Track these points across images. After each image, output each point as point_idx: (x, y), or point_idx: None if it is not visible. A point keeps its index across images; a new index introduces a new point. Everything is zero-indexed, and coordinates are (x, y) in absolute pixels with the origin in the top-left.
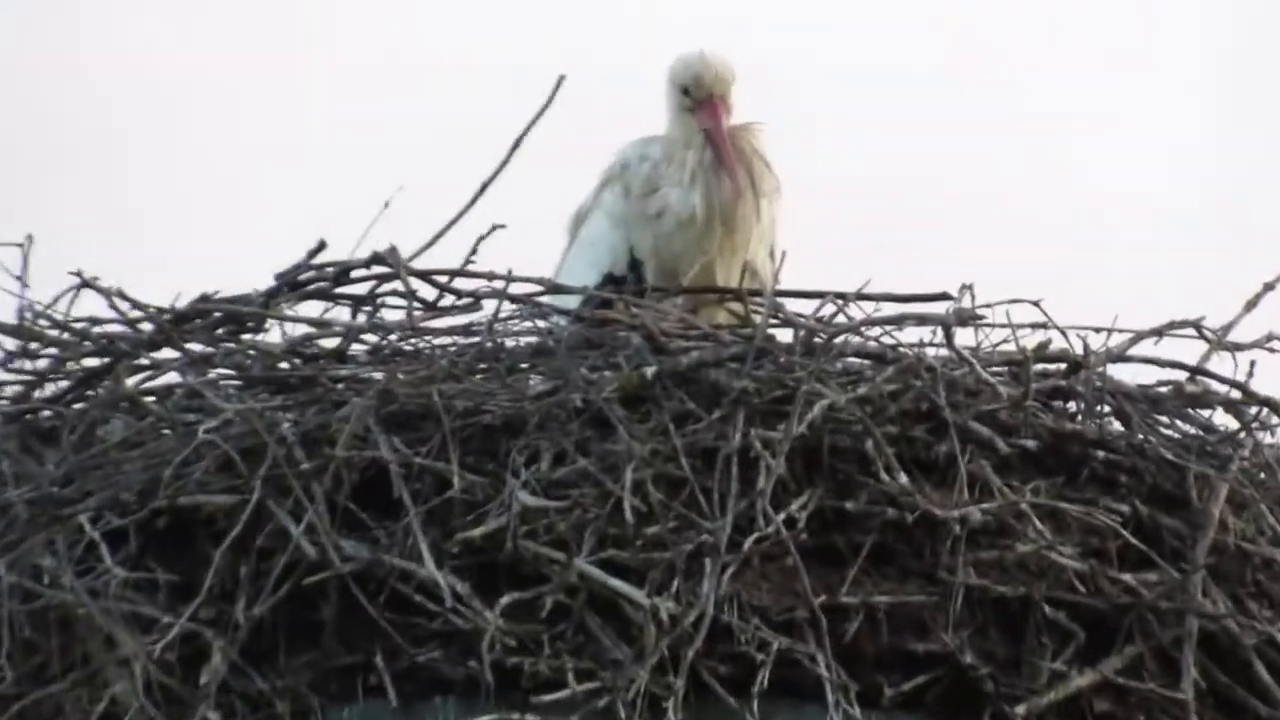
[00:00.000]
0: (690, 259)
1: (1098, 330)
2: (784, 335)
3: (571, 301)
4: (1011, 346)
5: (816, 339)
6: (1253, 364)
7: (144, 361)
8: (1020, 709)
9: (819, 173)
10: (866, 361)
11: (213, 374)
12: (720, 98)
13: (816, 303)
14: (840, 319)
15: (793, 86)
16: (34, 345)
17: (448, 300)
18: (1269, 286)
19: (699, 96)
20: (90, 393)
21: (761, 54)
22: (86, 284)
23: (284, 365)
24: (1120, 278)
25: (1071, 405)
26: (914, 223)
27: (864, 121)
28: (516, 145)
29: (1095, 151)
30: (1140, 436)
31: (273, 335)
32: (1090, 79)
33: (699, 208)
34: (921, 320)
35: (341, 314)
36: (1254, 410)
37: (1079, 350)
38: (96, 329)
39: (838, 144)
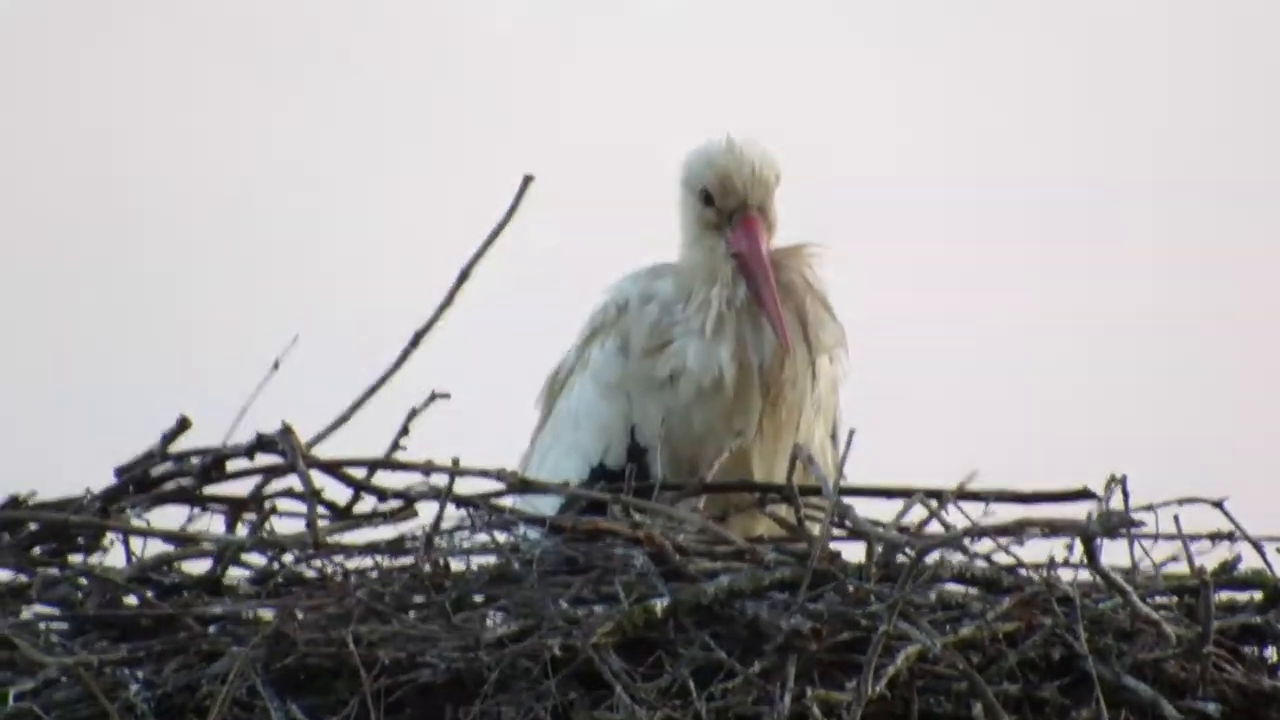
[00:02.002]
0: (717, 442)
1: None
2: (854, 552)
3: (547, 505)
4: (1183, 566)
5: (901, 557)
6: None
7: None
8: None
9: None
10: (973, 590)
11: (28, 613)
12: (759, 208)
13: (900, 504)
14: (934, 528)
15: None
16: None
17: (366, 504)
18: None
19: (728, 207)
20: None
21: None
22: None
23: (131, 599)
24: None
25: (1271, 651)
26: (1035, 400)
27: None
28: (465, 274)
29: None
30: None
31: (114, 556)
32: None
33: (728, 368)
34: (1052, 529)
35: (214, 524)
36: None
37: None
38: None
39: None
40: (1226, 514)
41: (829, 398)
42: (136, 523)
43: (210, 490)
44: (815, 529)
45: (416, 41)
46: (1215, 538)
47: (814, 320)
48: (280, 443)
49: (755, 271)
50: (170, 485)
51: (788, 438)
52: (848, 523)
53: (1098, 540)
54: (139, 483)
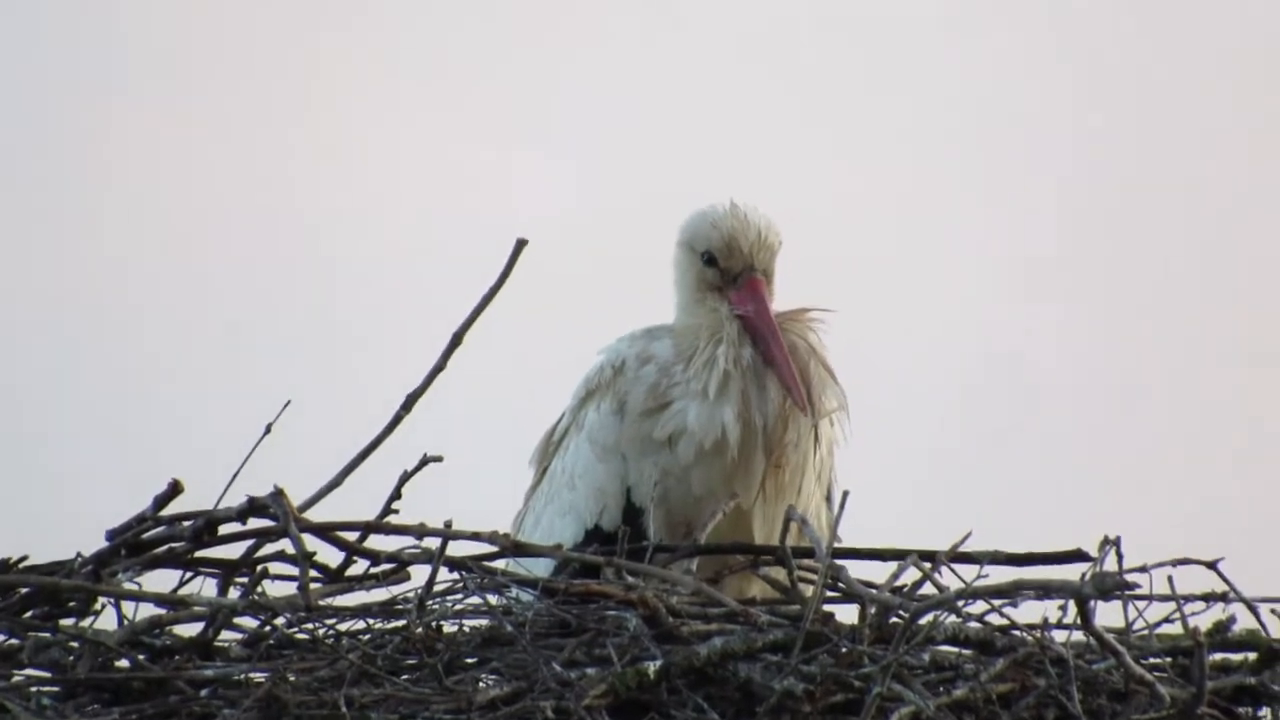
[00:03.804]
0: (714, 504)
1: None
2: (847, 614)
3: (540, 567)
4: (1177, 627)
5: (894, 619)
6: None
7: None
8: None
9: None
10: (967, 651)
11: (19, 676)
12: (763, 271)
13: (893, 566)
14: (928, 590)
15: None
16: None
17: (359, 567)
18: None
19: (733, 269)
20: None
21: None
22: None
23: (123, 663)
24: None
25: (1265, 712)
26: (1027, 459)
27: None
28: (458, 338)
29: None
30: None
31: (106, 619)
32: None
33: (732, 429)
34: (1046, 591)
35: (206, 588)
36: None
37: (1276, 633)
38: None
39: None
40: (1221, 575)
41: (826, 460)
42: (128, 586)
43: (202, 554)
44: (808, 591)
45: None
46: (1209, 599)
47: (817, 383)
48: (272, 506)
49: (765, 332)
50: (162, 549)
51: (790, 500)
52: (841, 584)
53: (1091, 602)
54: (130, 546)
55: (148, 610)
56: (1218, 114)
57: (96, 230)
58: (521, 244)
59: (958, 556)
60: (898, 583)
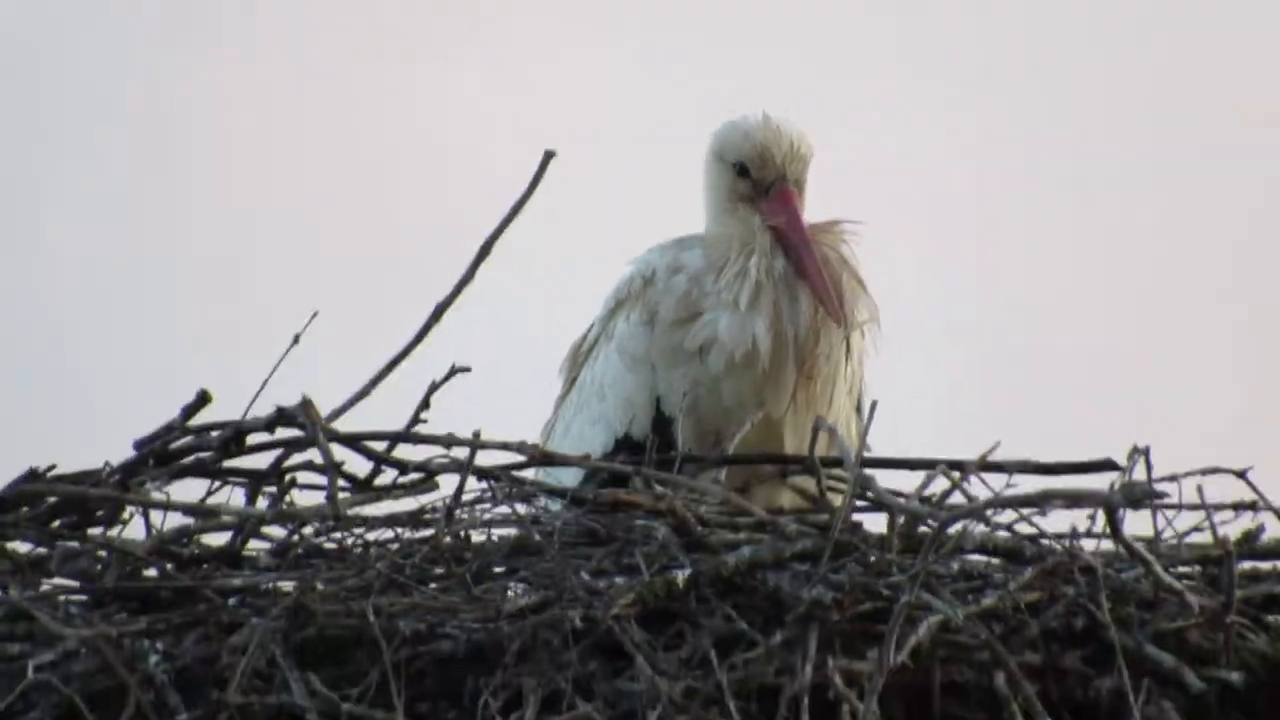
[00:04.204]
0: (743, 414)
1: None
2: (876, 524)
3: (568, 476)
4: (1206, 537)
5: (923, 528)
6: None
7: None
8: None
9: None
10: (995, 560)
11: (47, 585)
12: (795, 182)
13: (922, 476)
14: (957, 499)
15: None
16: None
17: (387, 476)
18: None
19: (765, 180)
20: None
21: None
22: None
23: (150, 572)
24: None
25: None
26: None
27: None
28: (486, 249)
29: None
30: None
31: (134, 529)
32: None
33: (764, 340)
34: (1075, 500)
35: (233, 497)
36: None
37: None
38: None
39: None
40: (1250, 484)
41: (856, 371)
42: (156, 496)
43: (230, 464)
44: (837, 500)
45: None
46: (1238, 508)
47: (849, 295)
48: (300, 416)
49: (797, 243)
50: (190, 459)
51: (821, 411)
52: (870, 494)
53: (1120, 511)
54: (159, 456)
55: (175, 520)
56: None
57: (121, 140)
58: (549, 156)
59: (986, 466)
60: (926, 492)
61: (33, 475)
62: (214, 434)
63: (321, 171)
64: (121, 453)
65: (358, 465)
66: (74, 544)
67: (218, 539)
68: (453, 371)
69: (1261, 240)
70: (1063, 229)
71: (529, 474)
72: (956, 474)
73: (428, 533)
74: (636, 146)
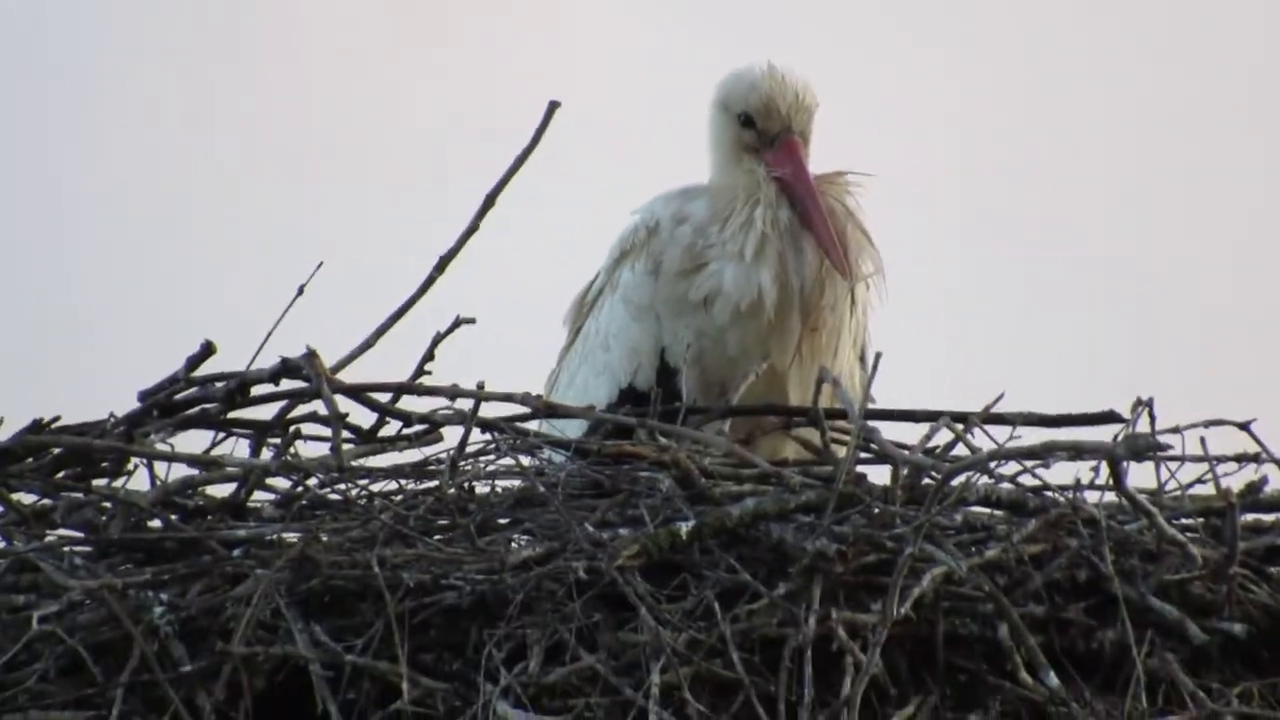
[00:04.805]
0: (748, 365)
1: None
2: (879, 475)
3: (573, 428)
4: (1209, 488)
5: (926, 480)
6: None
7: None
8: None
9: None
10: (999, 512)
11: (51, 536)
12: (800, 133)
13: (925, 428)
14: (960, 451)
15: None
16: None
17: (391, 428)
18: None
19: (770, 130)
20: None
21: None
22: None
23: (155, 523)
24: None
25: None
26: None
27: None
28: (491, 200)
29: None
30: None
31: (138, 480)
32: None
33: (769, 291)
34: (1078, 452)
35: (238, 449)
36: None
37: None
38: None
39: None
40: (1253, 436)
41: (861, 322)
42: (160, 447)
43: (235, 415)
44: (841, 452)
45: None
46: (1241, 459)
47: (854, 247)
48: (305, 367)
49: (802, 194)
50: (194, 410)
51: (826, 363)
52: (874, 445)
53: (1124, 463)
54: (163, 407)
55: (180, 471)
56: None
57: (132, 97)
58: (554, 106)
59: (990, 418)
60: (930, 444)
61: (37, 426)
62: (219, 385)
63: (326, 121)
64: (126, 404)
65: (362, 417)
66: (79, 495)
67: (222, 490)
68: (457, 323)
69: (1267, 193)
70: (1068, 179)
71: (533, 425)
72: (960, 426)
73: (432, 484)
74: (641, 97)
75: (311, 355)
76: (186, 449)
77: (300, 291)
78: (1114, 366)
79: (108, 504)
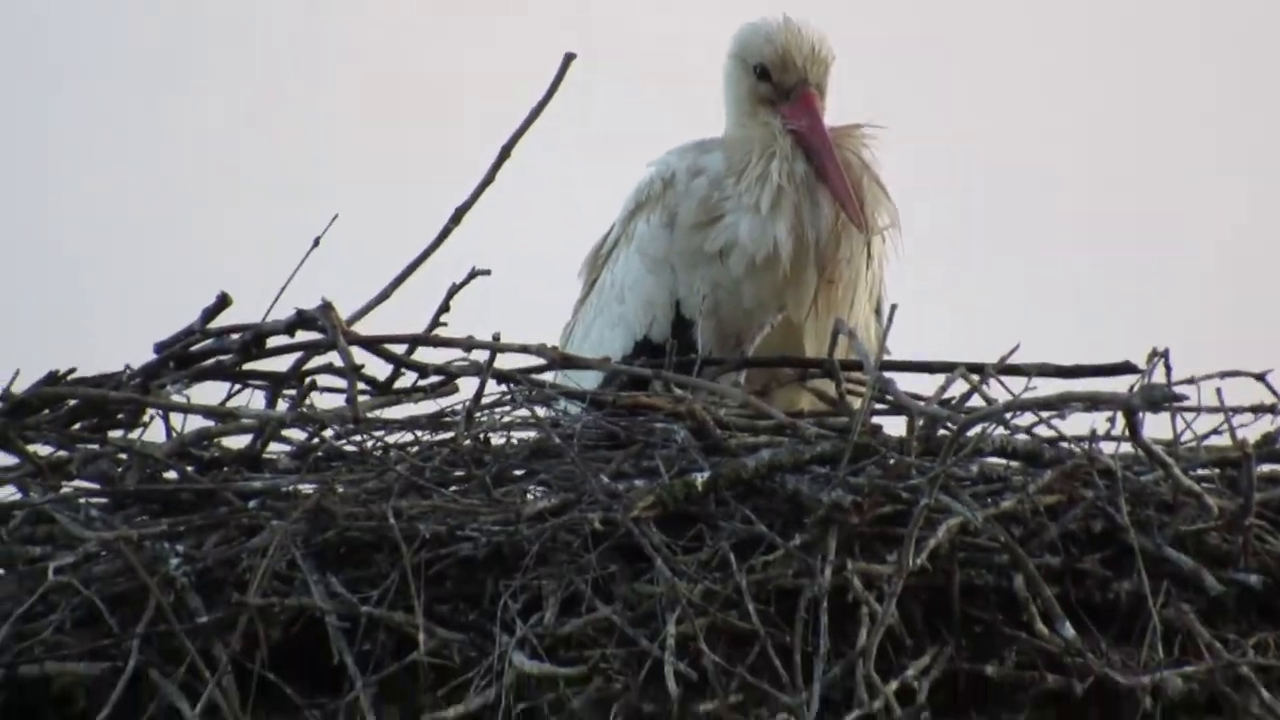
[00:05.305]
0: (764, 317)
1: None
2: (895, 427)
3: (588, 379)
4: (1225, 439)
5: (942, 431)
6: None
7: None
8: None
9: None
10: (1014, 463)
11: (67, 487)
12: (816, 86)
13: (941, 379)
14: (976, 402)
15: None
16: None
17: (406, 379)
18: None
19: (786, 83)
20: None
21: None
22: None
23: (170, 475)
24: None
25: None
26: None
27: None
28: (506, 152)
29: None
30: None
31: (154, 432)
32: None
33: (784, 244)
34: (1094, 403)
35: (254, 400)
36: None
37: None
38: None
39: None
40: (1269, 387)
41: (877, 275)
42: (176, 399)
43: (250, 367)
44: (856, 404)
45: None
46: (1258, 410)
47: (870, 200)
48: (320, 319)
49: (818, 147)
50: (210, 362)
51: (842, 315)
52: (889, 397)
53: (1140, 413)
54: (179, 359)
55: (196, 423)
56: None
57: (143, 42)
58: (569, 58)
59: (1006, 369)
60: (946, 395)
61: (53, 378)
62: (234, 337)
63: (340, 73)
64: (142, 356)
65: (377, 368)
66: (94, 447)
67: (238, 442)
68: (472, 274)
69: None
70: (1083, 126)
71: (548, 377)
72: (976, 377)
73: (447, 436)
74: (659, 48)
75: (327, 307)
76: (202, 401)
77: (316, 243)
78: (1130, 317)
79: (123, 455)
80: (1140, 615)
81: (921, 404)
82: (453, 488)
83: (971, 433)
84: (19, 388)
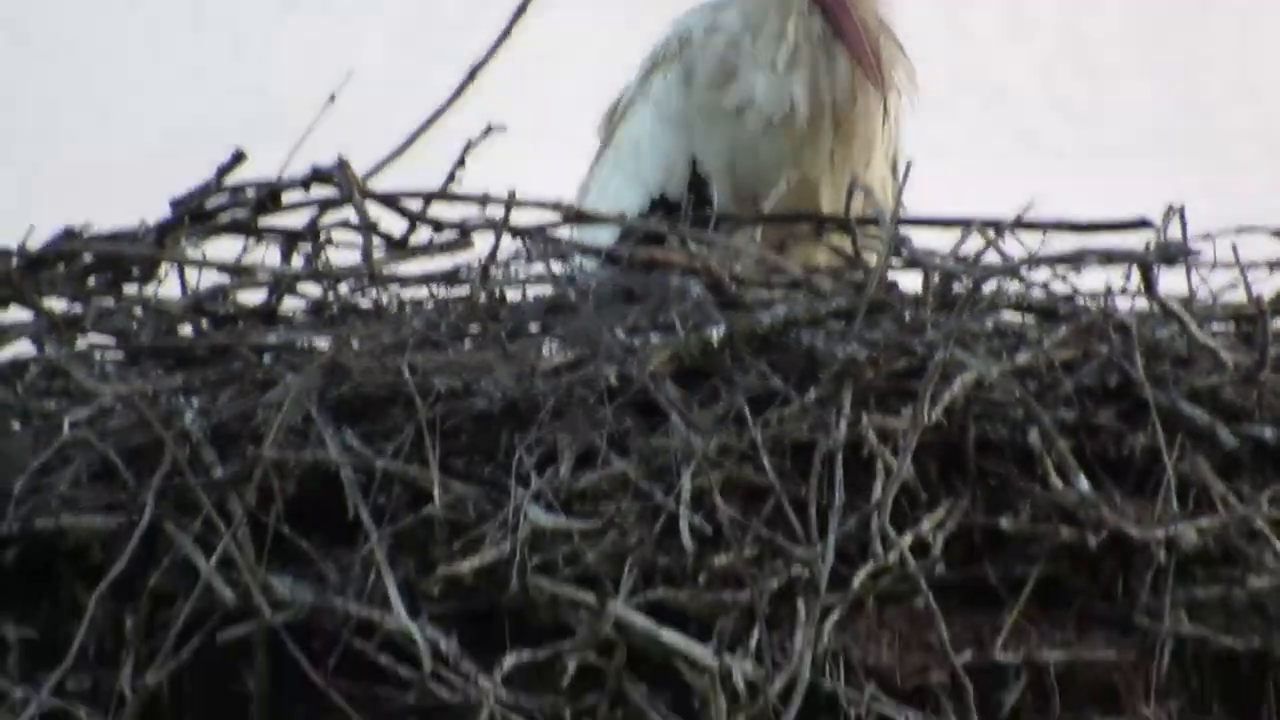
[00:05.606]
0: (780, 175)
1: None
2: (911, 282)
3: (604, 235)
4: (1240, 295)
5: (957, 286)
6: None
7: None
8: None
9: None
10: (1030, 318)
11: (83, 343)
12: None
13: (957, 235)
14: (992, 258)
15: None
16: None
17: (422, 235)
18: None
19: None
20: None
21: None
22: None
23: (186, 329)
24: None
25: None
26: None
27: None
28: (523, 7)
29: None
30: None
31: (169, 287)
32: None
33: (801, 101)
34: (1110, 258)
35: (269, 256)
36: None
37: None
38: None
39: None
40: None
41: (893, 131)
42: (192, 254)
43: (265, 222)
44: (872, 259)
45: None
46: (1273, 266)
47: (887, 57)
48: (336, 175)
49: (834, 5)
50: (225, 217)
51: (858, 172)
52: (904, 252)
53: (1155, 268)
54: (194, 215)
55: (211, 278)
56: None
57: None
58: None
59: (1022, 225)
60: (961, 251)
61: (68, 234)
62: (250, 192)
63: None
64: (157, 212)
65: (393, 224)
66: (109, 302)
67: (253, 297)
68: (488, 131)
69: None
70: None
71: (564, 232)
72: (991, 232)
73: (463, 291)
74: None
75: (342, 163)
76: (217, 256)
77: (332, 99)
78: (1147, 172)
79: (139, 310)
80: (1155, 469)
81: (937, 259)
82: (467, 343)
83: (987, 288)
84: (34, 243)
